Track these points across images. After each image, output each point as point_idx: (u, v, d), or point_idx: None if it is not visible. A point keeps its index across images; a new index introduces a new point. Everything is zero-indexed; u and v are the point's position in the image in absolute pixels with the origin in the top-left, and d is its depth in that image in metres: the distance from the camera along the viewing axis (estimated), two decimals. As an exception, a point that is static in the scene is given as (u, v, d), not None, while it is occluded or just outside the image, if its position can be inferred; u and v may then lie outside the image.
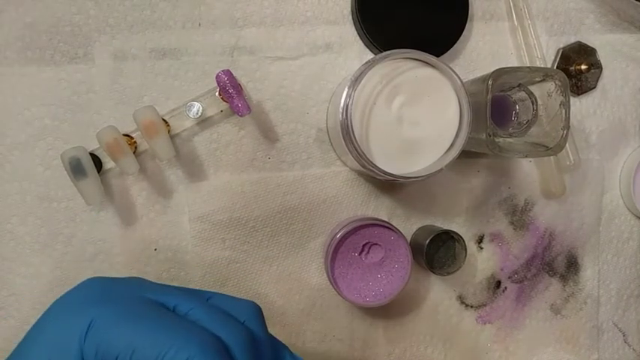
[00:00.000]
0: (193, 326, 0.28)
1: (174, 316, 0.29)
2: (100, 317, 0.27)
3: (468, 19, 0.46)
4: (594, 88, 0.50)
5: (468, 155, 0.48)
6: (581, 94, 0.50)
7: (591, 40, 0.50)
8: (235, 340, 0.28)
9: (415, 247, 0.46)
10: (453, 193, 0.49)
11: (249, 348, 0.29)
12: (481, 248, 0.50)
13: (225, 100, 0.42)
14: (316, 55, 0.46)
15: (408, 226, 0.48)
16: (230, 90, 0.41)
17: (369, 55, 0.46)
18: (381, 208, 0.48)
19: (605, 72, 0.50)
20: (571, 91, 0.49)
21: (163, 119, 0.42)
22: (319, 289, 0.47)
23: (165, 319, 0.28)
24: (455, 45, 0.46)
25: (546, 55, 0.49)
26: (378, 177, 0.40)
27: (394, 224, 0.44)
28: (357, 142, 0.38)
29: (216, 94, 0.43)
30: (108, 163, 0.43)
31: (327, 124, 0.46)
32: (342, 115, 0.38)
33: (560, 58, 0.49)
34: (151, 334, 0.26)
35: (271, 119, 0.46)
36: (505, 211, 0.50)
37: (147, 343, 0.26)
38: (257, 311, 0.32)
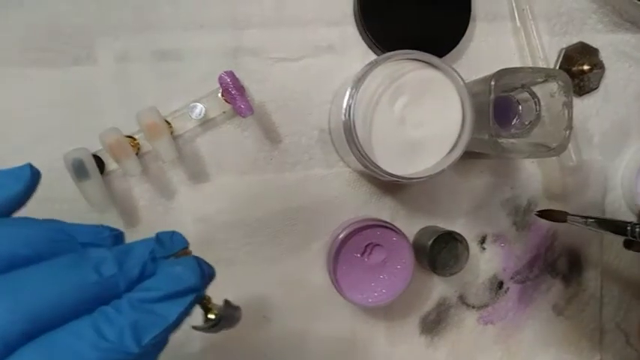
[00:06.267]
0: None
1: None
2: None
3: (471, 19, 0.46)
4: (597, 88, 0.50)
5: (470, 156, 0.48)
6: (584, 94, 0.50)
7: (594, 41, 0.50)
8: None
9: (418, 248, 0.46)
10: (456, 193, 0.49)
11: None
12: (484, 249, 0.50)
13: (227, 102, 0.42)
14: (319, 56, 0.46)
15: (411, 226, 0.48)
16: (232, 91, 0.41)
17: (372, 56, 0.46)
18: (383, 209, 0.48)
19: (608, 72, 0.50)
20: (573, 92, 0.49)
21: (166, 120, 0.42)
22: (321, 290, 0.47)
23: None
24: (457, 46, 0.46)
25: (549, 55, 0.49)
26: (380, 178, 0.40)
27: (397, 225, 0.44)
28: (359, 142, 0.38)
29: (219, 95, 0.43)
30: (111, 165, 0.43)
31: (329, 125, 0.46)
32: (345, 116, 0.38)
33: (563, 58, 0.49)
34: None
35: (273, 120, 0.46)
36: (508, 212, 0.50)
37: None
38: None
